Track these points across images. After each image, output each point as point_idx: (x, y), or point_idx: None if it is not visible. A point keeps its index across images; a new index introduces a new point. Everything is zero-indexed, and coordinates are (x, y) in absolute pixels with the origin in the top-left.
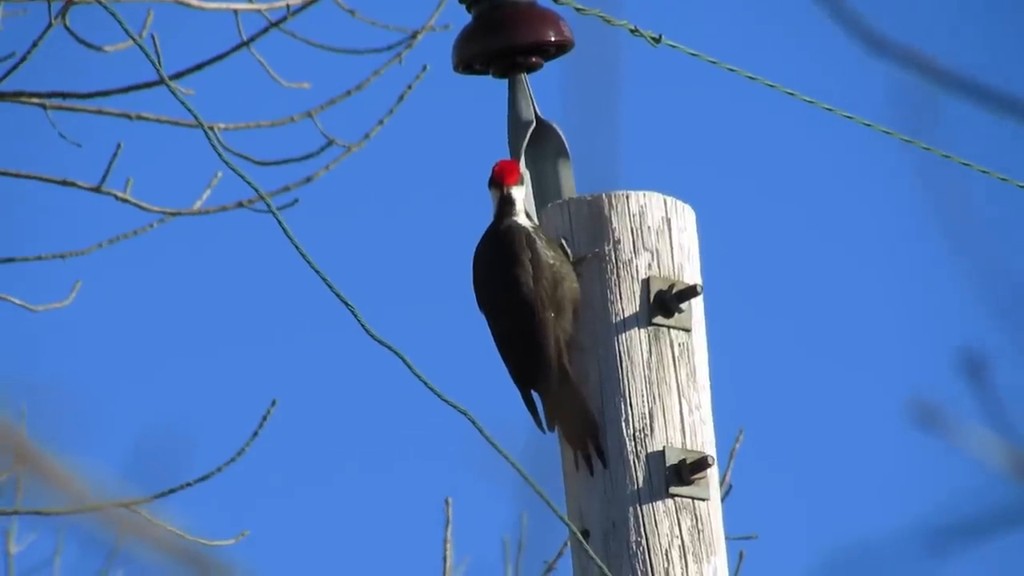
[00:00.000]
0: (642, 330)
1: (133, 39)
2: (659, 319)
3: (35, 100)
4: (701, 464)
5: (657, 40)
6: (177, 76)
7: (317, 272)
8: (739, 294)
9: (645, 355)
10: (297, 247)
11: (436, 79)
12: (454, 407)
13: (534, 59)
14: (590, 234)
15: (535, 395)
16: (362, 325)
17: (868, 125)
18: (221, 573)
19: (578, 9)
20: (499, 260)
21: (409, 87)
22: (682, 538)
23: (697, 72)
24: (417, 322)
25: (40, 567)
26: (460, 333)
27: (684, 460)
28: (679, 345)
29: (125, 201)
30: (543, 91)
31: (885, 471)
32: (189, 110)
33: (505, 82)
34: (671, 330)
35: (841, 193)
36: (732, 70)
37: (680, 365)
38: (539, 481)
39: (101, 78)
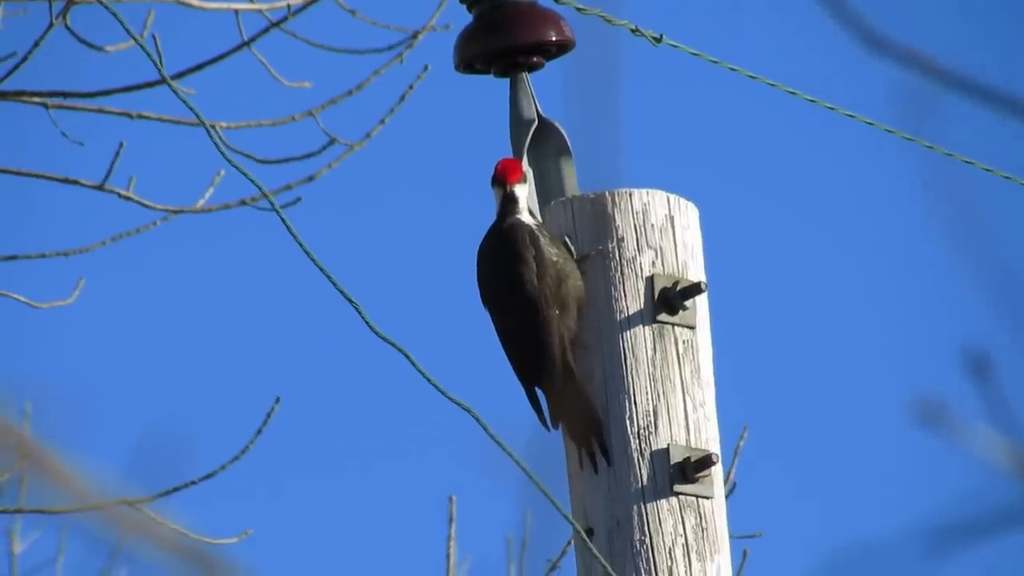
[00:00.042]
0: (646, 327)
1: (134, 39)
2: (663, 316)
3: (37, 99)
4: (705, 462)
5: (658, 40)
6: (178, 76)
7: (321, 270)
8: (743, 291)
9: (649, 352)
10: (301, 245)
11: (437, 79)
12: (458, 404)
13: (535, 59)
14: (593, 232)
15: (539, 392)
16: (366, 322)
17: (870, 124)
18: (224, 572)
19: (579, 9)
20: (503, 258)
21: (410, 87)
22: (686, 536)
23: (698, 71)
24: (421, 320)
25: (43, 566)
26: (464, 331)
27: (688, 458)
28: (683, 342)
29: (128, 199)
30: (544, 91)
31: (888, 470)
32: (191, 109)
33: (506, 82)
34: (675, 327)
35: (843, 191)
36: (733, 69)
37: (684, 362)
38: (543, 479)
39: (102, 78)
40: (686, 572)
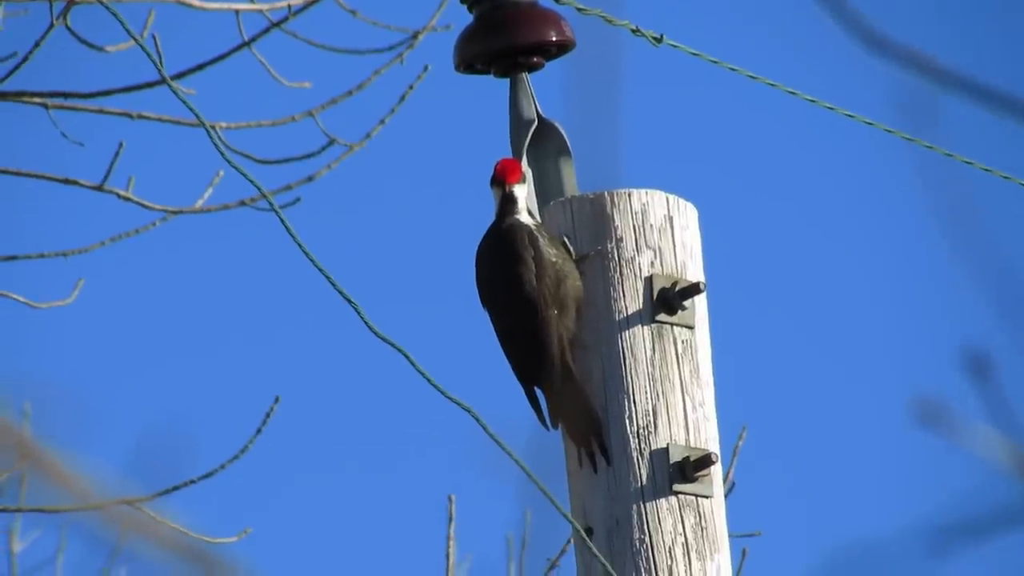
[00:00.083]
0: (645, 328)
1: (135, 39)
2: (662, 317)
3: (37, 100)
4: (705, 461)
5: (658, 40)
6: (179, 76)
7: (320, 270)
8: (742, 291)
9: (648, 352)
10: (300, 245)
11: (437, 79)
12: (458, 404)
13: (535, 59)
14: (592, 232)
15: (539, 392)
16: (365, 323)
17: (870, 124)
18: (224, 571)
19: (579, 9)
20: (502, 258)
21: (410, 87)
22: (685, 535)
23: (698, 72)
24: (420, 320)
25: (43, 565)
26: (463, 331)
27: (688, 457)
28: (682, 342)
29: (127, 199)
30: (544, 91)
31: (888, 469)
32: (191, 109)
33: (506, 82)
34: (674, 327)
35: (843, 191)
36: (733, 69)
37: (683, 362)
38: (543, 478)
39: (103, 78)
40: (686, 571)
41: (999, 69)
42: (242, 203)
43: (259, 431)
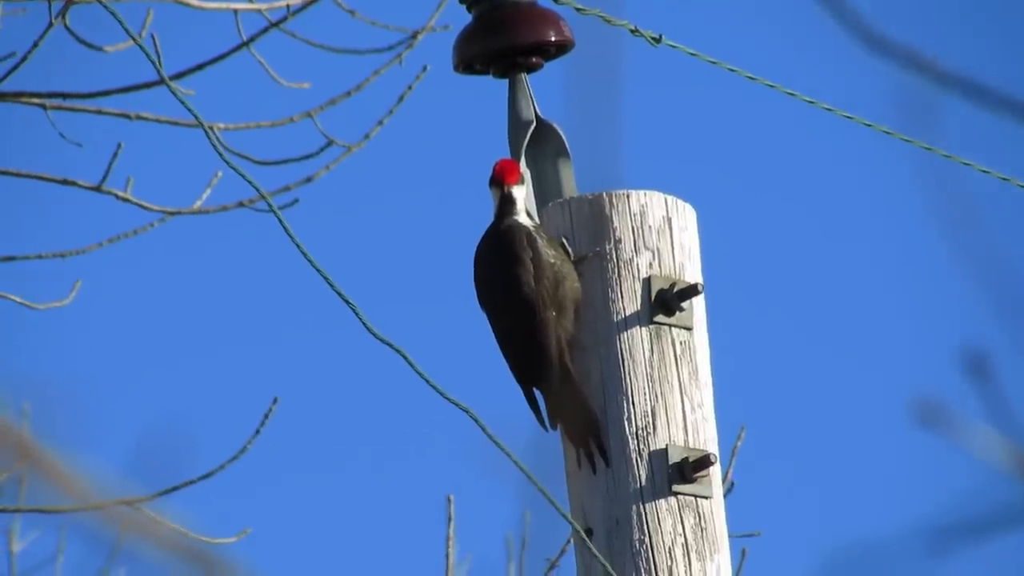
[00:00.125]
0: (644, 329)
1: (133, 39)
2: (660, 318)
3: (35, 100)
4: (704, 462)
5: (657, 40)
6: (177, 76)
7: (319, 271)
8: (740, 292)
9: (647, 354)
10: (299, 246)
11: (436, 79)
12: (457, 405)
13: (534, 59)
14: (591, 233)
15: (537, 393)
16: (364, 324)
17: (868, 125)
18: (224, 571)
19: (578, 9)
20: (500, 259)
21: (409, 87)
22: (685, 536)
23: (697, 72)
24: (419, 321)
25: (42, 565)
26: (462, 331)
27: (687, 458)
28: (681, 344)
29: (126, 200)
30: (543, 91)
31: (887, 469)
32: (189, 110)
33: (505, 82)
34: (673, 328)
35: (841, 192)
36: (732, 70)
37: (682, 363)
38: (542, 479)
39: (101, 78)
40: (686, 571)
41: (999, 69)
42: (240, 204)
43: (258, 432)
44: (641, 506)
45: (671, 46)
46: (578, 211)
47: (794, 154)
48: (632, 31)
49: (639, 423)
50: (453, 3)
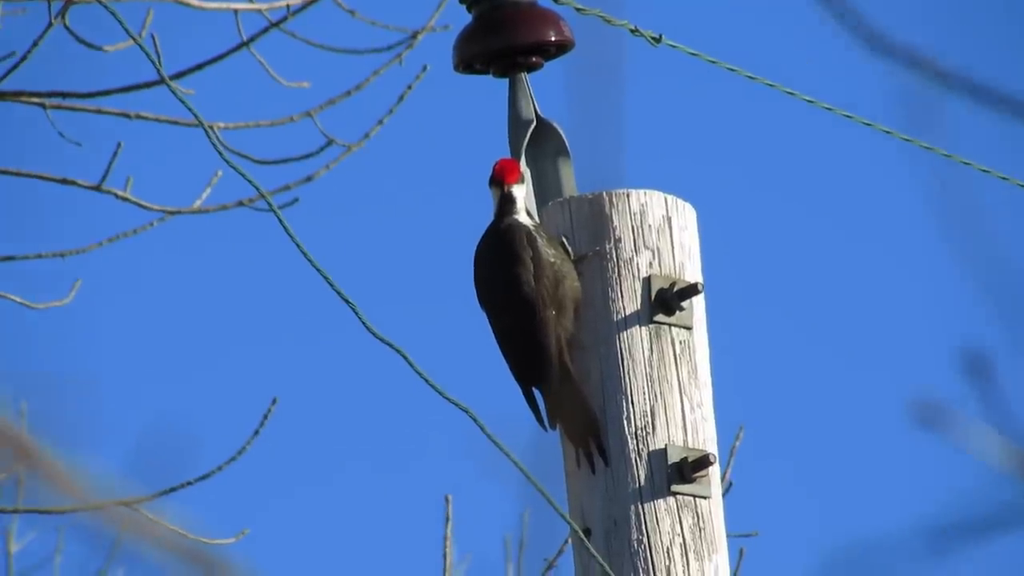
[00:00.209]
0: (643, 328)
1: (133, 39)
2: (660, 317)
3: (35, 99)
4: (703, 462)
5: (657, 40)
6: (177, 76)
7: (318, 270)
8: (740, 292)
9: (646, 353)
10: (298, 245)
11: (436, 79)
12: (456, 405)
13: (534, 59)
14: (591, 232)
15: (537, 393)
16: (363, 323)
17: (868, 125)
18: (223, 571)
19: (578, 9)
20: (500, 258)
21: (409, 87)
22: (683, 536)
23: (697, 72)
24: (418, 320)
25: (40, 565)
26: (461, 331)
27: (686, 458)
28: (680, 343)
29: (125, 200)
30: (543, 91)
31: (887, 469)
32: (189, 109)
33: (505, 82)
34: (672, 328)
35: (841, 192)
36: (732, 70)
37: (681, 363)
38: (541, 479)
39: (101, 77)
40: (684, 571)
41: (999, 69)
42: (240, 203)
43: (257, 432)
44: (640, 506)
45: (671, 46)
46: (578, 210)
47: (794, 154)
48: (632, 31)
49: (638, 423)
50: (453, 3)
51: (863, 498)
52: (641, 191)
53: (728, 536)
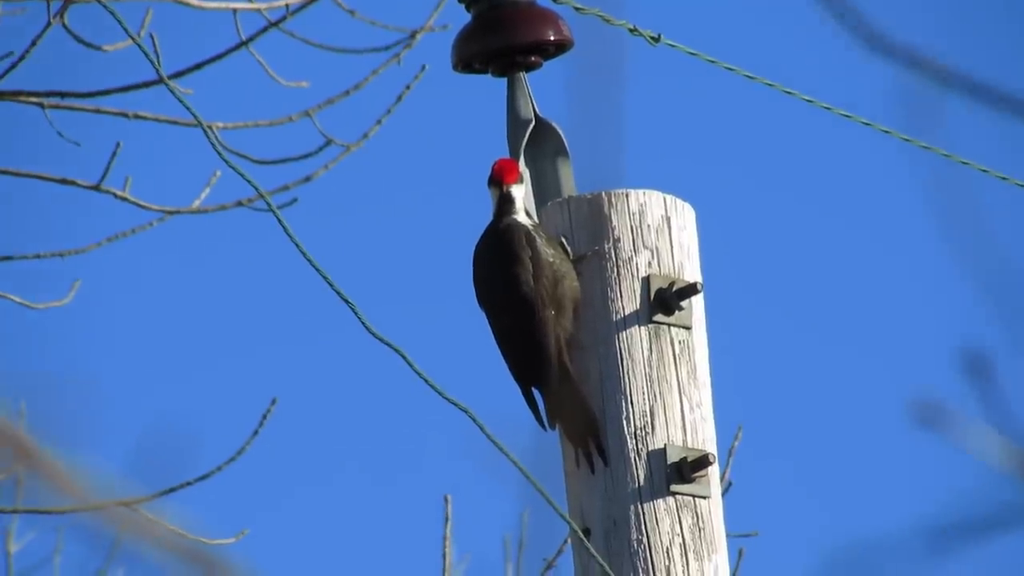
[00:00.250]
0: (642, 328)
1: (132, 38)
2: (659, 317)
3: (33, 99)
4: (702, 462)
5: (656, 39)
6: (176, 75)
7: (318, 270)
8: (739, 292)
9: (646, 353)
10: (297, 245)
11: (435, 78)
12: (455, 404)
13: (533, 58)
14: (590, 232)
15: (536, 393)
16: (363, 323)
17: (867, 124)
18: (222, 571)
19: (577, 8)
20: (499, 258)
21: (408, 87)
22: (683, 536)
23: (696, 71)
24: (418, 320)
25: (39, 566)
26: (461, 331)
27: (685, 458)
28: (680, 343)
29: (124, 200)
30: (542, 90)
31: (886, 469)
32: (188, 109)
33: (504, 81)
34: (671, 328)
35: (840, 191)
36: (731, 69)
37: (681, 363)
38: (540, 479)
39: (100, 77)
40: (683, 572)
41: (999, 68)
42: (239, 203)
43: (256, 432)
44: (639, 506)
45: (670, 45)
46: (577, 210)
47: (793, 153)
48: (631, 30)
49: (638, 423)
50: (452, 2)
51: (863, 498)
52: (640, 191)
53: (727, 536)
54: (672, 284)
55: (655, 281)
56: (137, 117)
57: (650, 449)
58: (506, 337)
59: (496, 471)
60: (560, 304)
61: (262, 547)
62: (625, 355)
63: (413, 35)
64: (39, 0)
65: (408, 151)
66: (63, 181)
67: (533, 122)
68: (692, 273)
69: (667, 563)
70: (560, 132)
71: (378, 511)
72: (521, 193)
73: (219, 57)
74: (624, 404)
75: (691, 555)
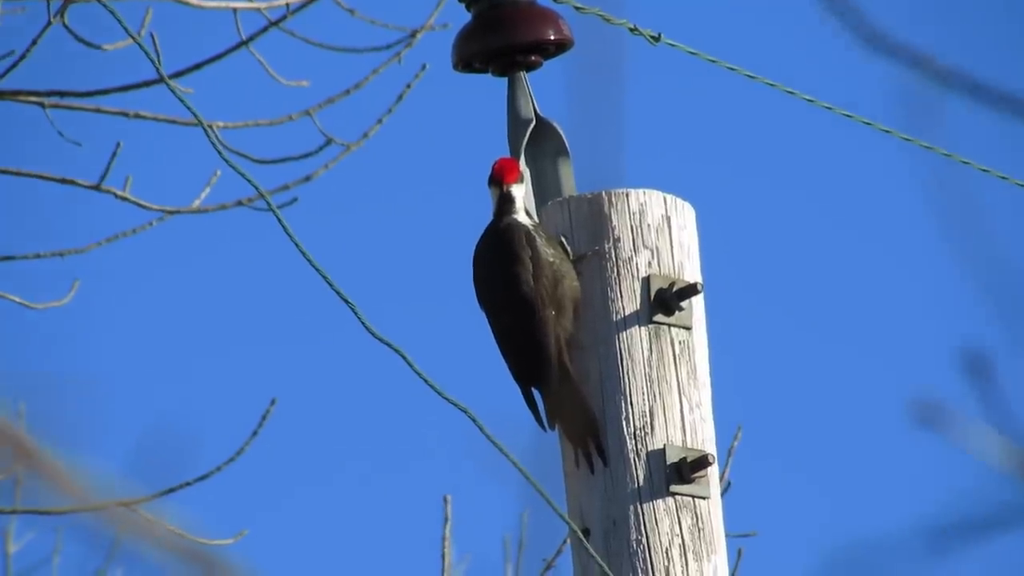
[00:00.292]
0: (642, 328)
1: (132, 37)
2: (659, 317)
3: (34, 99)
4: (701, 462)
5: (656, 39)
6: (176, 75)
7: (317, 270)
8: (739, 292)
9: (645, 353)
10: (297, 245)
11: (435, 78)
12: (455, 405)
13: (533, 58)
14: (590, 232)
15: (536, 393)
16: (363, 323)
17: (868, 124)
18: (222, 571)
19: (577, 8)
20: (499, 258)
21: (408, 86)
22: (682, 536)
23: (696, 71)
24: (418, 320)
25: (38, 566)
26: (461, 331)
27: (685, 458)
28: (679, 343)
29: (124, 199)
30: (543, 90)
31: (886, 469)
32: (189, 108)
33: (504, 81)
34: (671, 328)
35: (840, 191)
36: (731, 69)
37: (680, 363)
38: (540, 479)
39: (100, 76)
40: (683, 572)
41: (999, 69)
42: (239, 203)
43: (255, 433)
44: (639, 506)
45: (670, 45)
46: (577, 210)
47: (793, 153)
48: (631, 30)
49: (637, 423)
50: (452, 2)
51: (863, 498)
52: (640, 190)
53: (727, 536)
54: (672, 284)
55: (655, 281)
56: (137, 116)
57: (649, 449)
58: (506, 337)
59: (496, 471)
60: (560, 304)
61: (262, 547)
62: (625, 355)
63: (413, 34)
64: (39, 0)
65: (408, 151)
66: (63, 181)
67: (533, 122)
68: (692, 273)
69: (666, 563)
70: (560, 132)
71: (378, 511)
72: (521, 193)
73: (219, 56)
74: (624, 404)
75: (690, 555)
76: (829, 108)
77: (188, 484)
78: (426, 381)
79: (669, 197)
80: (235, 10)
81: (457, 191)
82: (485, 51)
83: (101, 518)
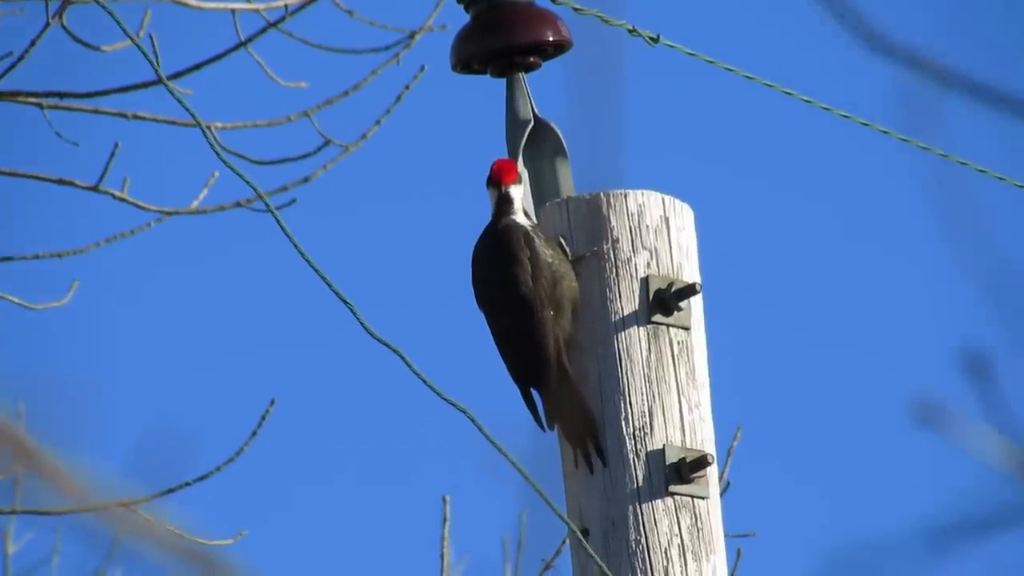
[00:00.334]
0: (641, 329)
1: (131, 39)
2: (658, 318)
3: (32, 100)
4: (701, 463)
5: (655, 40)
6: (175, 76)
7: (316, 271)
8: (738, 292)
9: (644, 354)
10: (296, 246)
11: (434, 79)
12: (454, 405)
13: (532, 59)
14: (588, 233)
15: (535, 393)
16: (361, 324)
17: (866, 125)
18: (222, 571)
19: (576, 9)
20: (498, 259)
21: (407, 87)
22: (681, 536)
23: (695, 72)
24: (416, 321)
25: (38, 566)
26: (459, 332)
27: (684, 459)
28: (678, 344)
29: (123, 200)
30: (541, 91)
31: (886, 469)
32: (187, 109)
33: (503, 82)
34: (670, 328)
35: (839, 191)
36: (730, 70)
37: (679, 363)
38: (539, 480)
39: (98, 78)
40: (682, 572)
41: (999, 69)
42: (238, 204)
43: (254, 433)
44: (638, 506)
45: (669, 46)
46: (576, 211)
47: (792, 154)
48: (630, 31)
49: (636, 423)
50: (451, 3)
51: (862, 498)
52: (639, 191)
53: (726, 536)
54: (671, 285)
55: (654, 282)
56: (136, 117)
57: (649, 450)
58: (505, 338)
59: (495, 472)
60: (559, 305)
61: (261, 547)
62: (624, 356)
63: (412, 35)
64: (38, 0)
65: (407, 151)
66: (62, 181)
67: (532, 122)
68: (691, 274)
69: (665, 563)
70: (559, 132)
71: (377, 511)
72: (520, 193)
73: (218, 57)
74: (623, 405)
75: (689, 555)
76: (828, 109)
77: (188, 484)
78: (425, 382)
79: (668, 198)
80: (234, 11)
81: (456, 192)
82: (484, 52)
83: (101, 518)
